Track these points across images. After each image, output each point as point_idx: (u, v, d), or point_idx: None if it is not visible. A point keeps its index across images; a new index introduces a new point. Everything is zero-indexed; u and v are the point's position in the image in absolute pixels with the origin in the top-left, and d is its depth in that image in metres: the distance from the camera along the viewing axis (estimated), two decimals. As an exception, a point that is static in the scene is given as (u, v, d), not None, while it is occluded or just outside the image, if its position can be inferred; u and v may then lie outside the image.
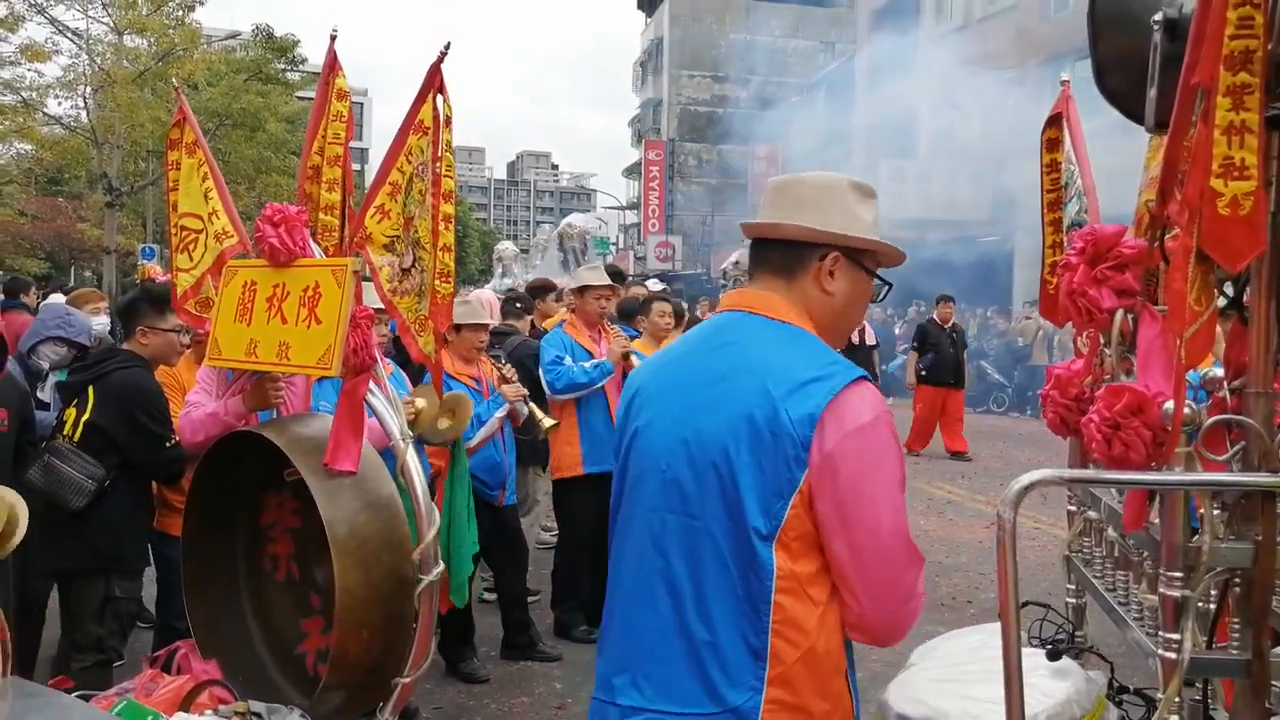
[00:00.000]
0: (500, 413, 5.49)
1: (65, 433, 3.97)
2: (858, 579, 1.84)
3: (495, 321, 6.59)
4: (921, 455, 13.62)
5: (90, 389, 4.00)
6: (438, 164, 3.19)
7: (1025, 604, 2.07)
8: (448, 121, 3.21)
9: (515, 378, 5.67)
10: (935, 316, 14.45)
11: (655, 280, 11.59)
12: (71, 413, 4.01)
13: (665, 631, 1.90)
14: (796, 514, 1.82)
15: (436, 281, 3.19)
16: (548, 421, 5.73)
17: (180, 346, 4.34)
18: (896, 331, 23.00)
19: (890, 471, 1.86)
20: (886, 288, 2.14)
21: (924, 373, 13.88)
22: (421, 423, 4.38)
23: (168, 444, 3.84)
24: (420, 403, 4.38)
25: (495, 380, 5.63)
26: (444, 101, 3.18)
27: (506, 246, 17.08)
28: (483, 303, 6.23)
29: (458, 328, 5.49)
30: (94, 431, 3.92)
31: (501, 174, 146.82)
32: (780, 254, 2.06)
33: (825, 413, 1.82)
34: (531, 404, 5.68)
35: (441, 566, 2.95)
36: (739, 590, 1.84)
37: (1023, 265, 23.78)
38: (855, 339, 13.64)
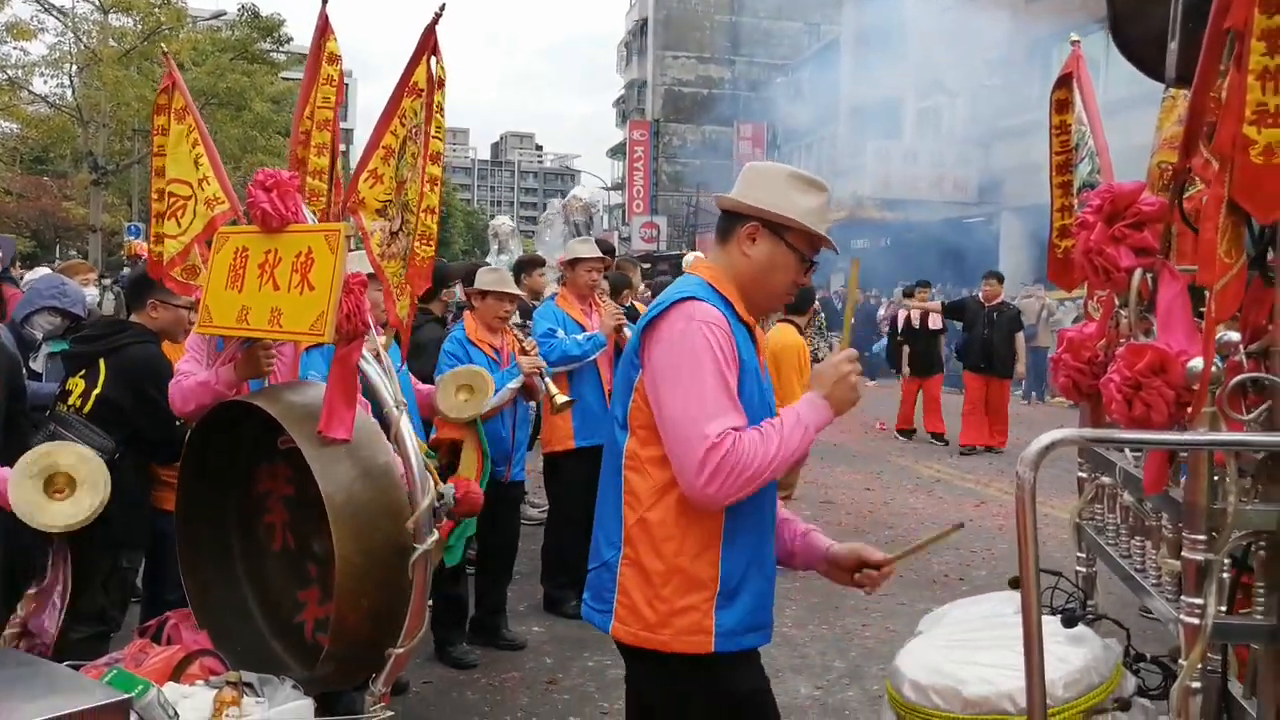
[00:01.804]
0: (514, 383, 5.40)
1: (72, 403, 3.92)
2: (669, 453, 2.31)
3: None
4: (909, 437, 13.60)
5: (102, 362, 3.95)
6: (430, 126, 3.13)
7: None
8: (440, 83, 3.14)
9: (536, 351, 5.61)
10: (980, 294, 13.03)
11: (696, 254, 11.59)
12: (79, 384, 3.95)
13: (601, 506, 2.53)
14: (637, 405, 2.41)
15: (417, 244, 3.13)
16: (561, 397, 5.65)
17: (187, 324, 4.30)
18: (880, 313, 23.01)
19: (687, 367, 2.30)
20: (810, 265, 2.54)
21: (953, 355, 13.03)
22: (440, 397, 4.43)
23: (178, 422, 3.80)
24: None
25: (516, 351, 5.58)
26: (438, 63, 3.12)
27: (503, 222, 16.95)
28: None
29: (484, 294, 5.51)
30: (105, 405, 3.88)
31: (485, 155, 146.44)
32: (722, 222, 2.58)
33: (651, 323, 2.39)
34: (548, 380, 5.60)
35: (435, 535, 2.91)
36: (614, 469, 2.44)
37: (1011, 247, 23.78)
38: (916, 323, 13.28)
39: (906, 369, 13.39)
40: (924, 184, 26.08)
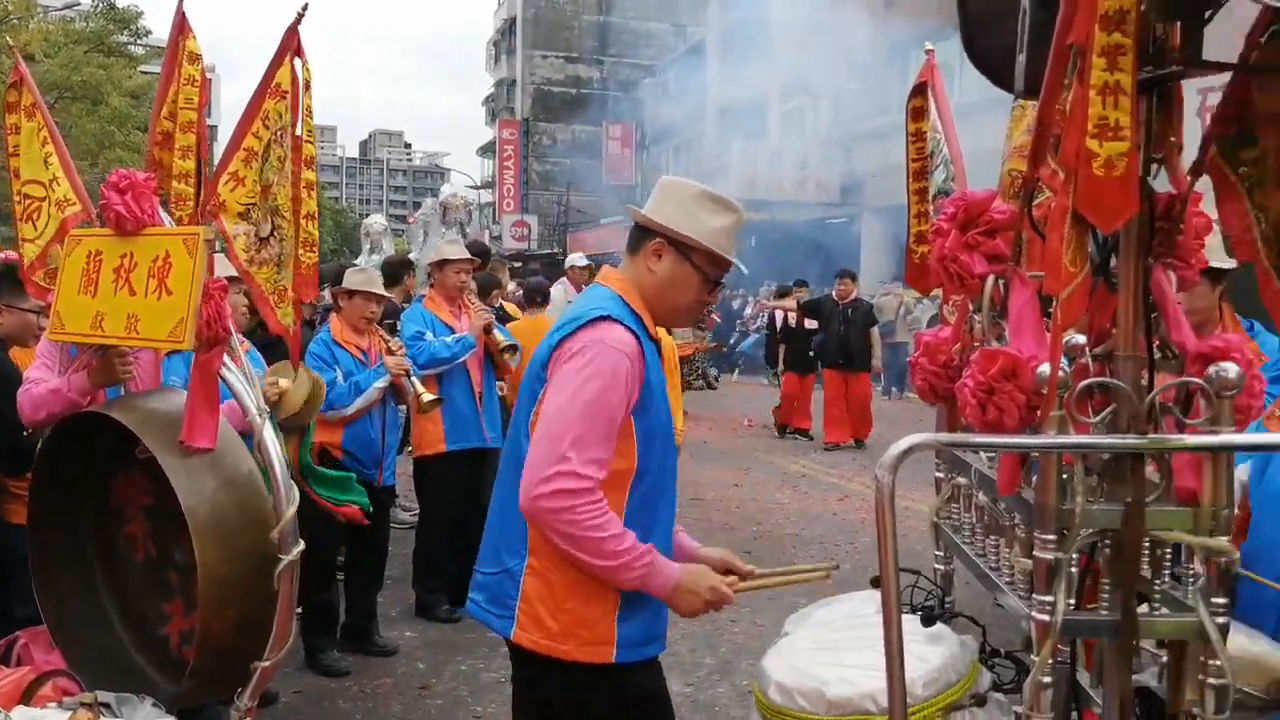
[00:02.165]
0: (380, 383, 5.33)
1: None
2: (531, 443, 2.38)
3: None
4: (761, 429, 13.84)
5: None
6: (297, 129, 3.06)
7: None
8: (307, 85, 3.07)
9: (403, 352, 5.54)
10: (834, 293, 13.23)
11: (580, 256, 11.49)
12: None
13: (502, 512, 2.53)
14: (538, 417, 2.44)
15: (300, 251, 3.10)
16: (429, 396, 5.58)
17: (37, 329, 4.07)
18: (747, 312, 23.41)
19: (586, 385, 2.35)
20: (715, 284, 2.62)
21: (811, 353, 13.16)
22: (287, 405, 4.22)
23: (25, 432, 3.59)
24: (284, 383, 4.18)
25: (383, 352, 5.49)
26: (303, 65, 3.04)
27: (375, 221, 16.51)
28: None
29: (350, 295, 5.42)
30: None
31: (354, 152, 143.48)
32: (633, 234, 2.64)
33: (563, 340, 2.44)
34: (415, 379, 5.53)
35: (301, 545, 2.84)
36: (517, 479, 2.39)
37: (872, 247, 24.43)
38: (794, 322, 13.57)
39: (781, 366, 13.72)
40: (788, 184, 26.55)
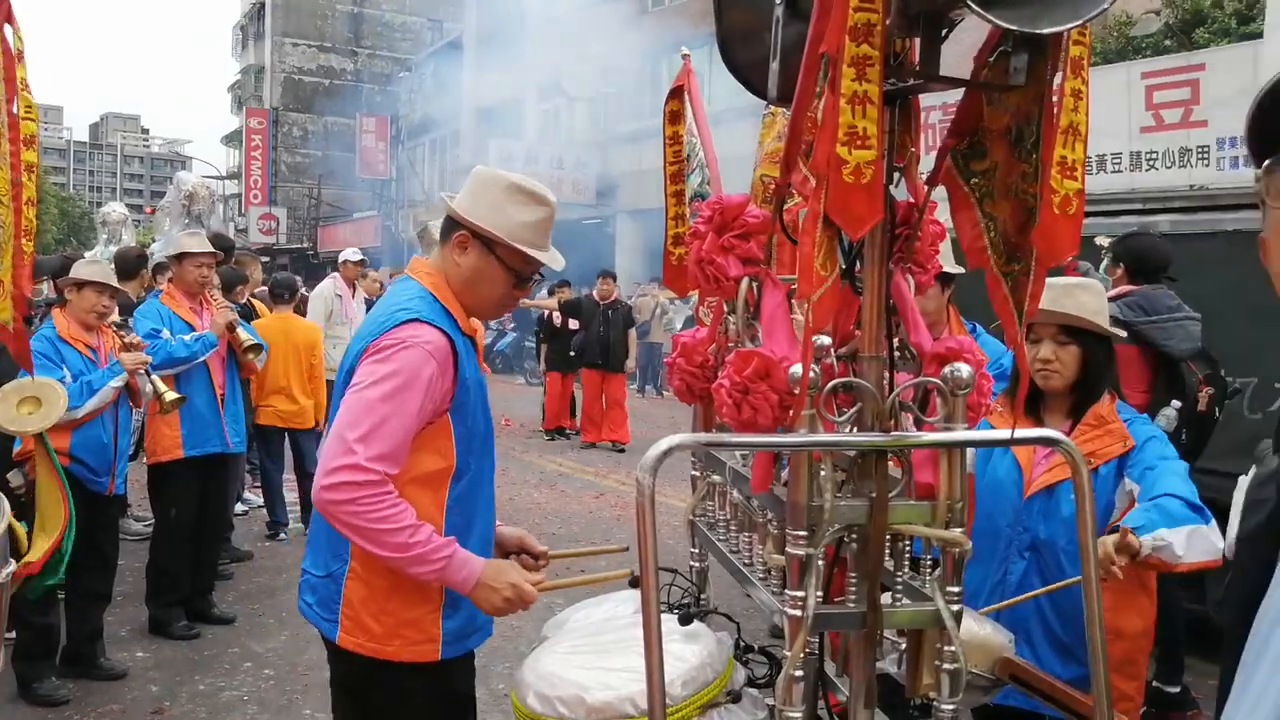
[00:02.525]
0: (116, 382, 4.87)
1: None
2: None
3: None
4: (519, 428, 13.83)
5: None
6: (13, 106, 2.75)
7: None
8: (19, 56, 2.76)
9: (142, 348, 5.11)
10: (595, 293, 13.31)
11: (355, 250, 10.95)
12: None
13: None
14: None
15: (22, 241, 2.79)
16: (170, 394, 5.18)
17: None
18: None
19: (371, 387, 2.33)
20: (525, 280, 2.62)
21: (573, 353, 13.06)
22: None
23: None
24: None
25: (116, 349, 5.04)
26: (14, 34, 2.73)
27: (114, 209, 15.21)
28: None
29: (80, 286, 4.96)
30: None
31: (83, 135, 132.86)
32: (445, 223, 2.61)
33: (370, 343, 2.40)
34: (154, 377, 5.12)
35: (13, 565, 2.55)
36: None
37: (625, 248, 24.86)
38: (559, 322, 13.40)
39: (543, 365, 13.73)
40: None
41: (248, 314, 7.54)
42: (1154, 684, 4.79)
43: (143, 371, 5.05)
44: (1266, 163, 1.16)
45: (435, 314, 2.45)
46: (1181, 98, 9.75)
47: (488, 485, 2.63)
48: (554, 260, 2.66)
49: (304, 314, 9.09)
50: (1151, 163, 9.94)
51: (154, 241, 15.79)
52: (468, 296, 2.56)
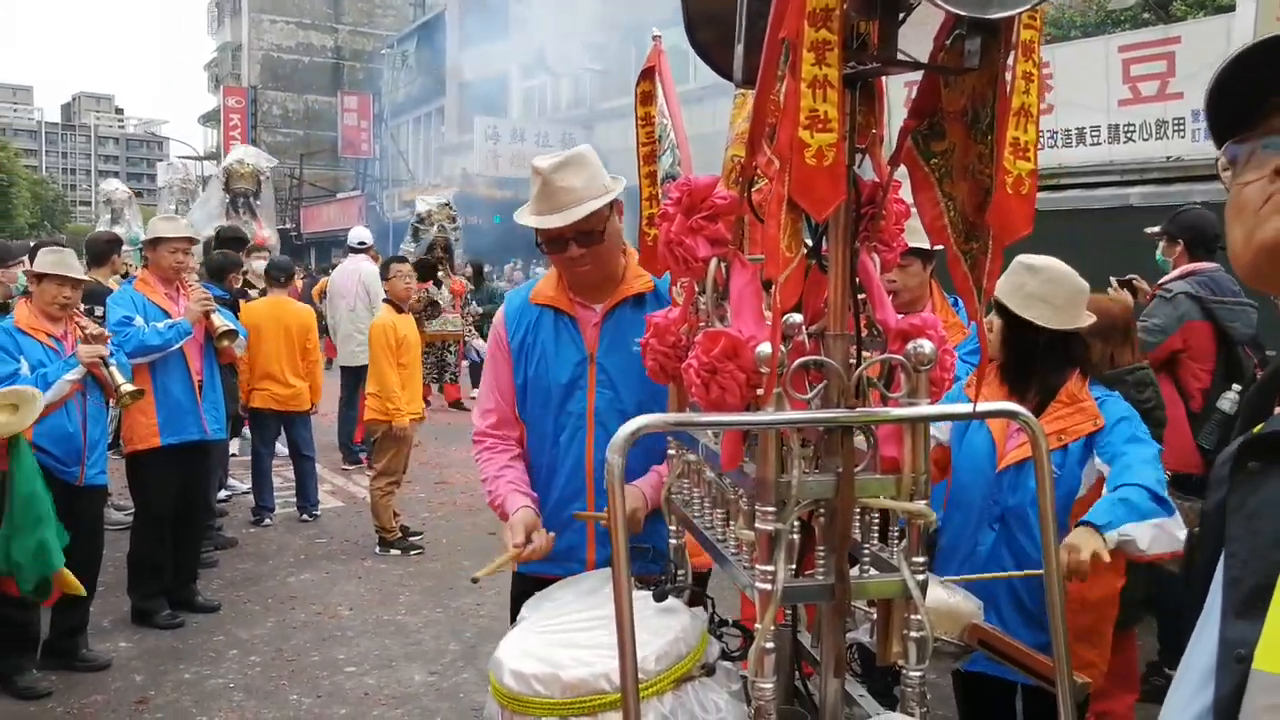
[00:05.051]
0: (72, 375, 4.85)
1: None
2: None
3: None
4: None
5: None
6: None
7: (631, 547, 2.11)
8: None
9: (106, 339, 5.07)
10: None
11: (362, 228, 11.05)
12: None
13: None
14: None
15: None
16: (128, 387, 5.14)
17: None
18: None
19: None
20: (560, 244, 2.86)
21: None
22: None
23: None
24: None
25: (80, 339, 5.02)
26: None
27: (117, 188, 15.03)
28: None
29: (40, 278, 4.95)
30: None
31: (55, 116, 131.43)
32: None
33: None
34: (112, 366, 5.08)
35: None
36: None
37: (611, 225, 24.76)
38: None
39: None
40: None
41: (236, 302, 7.51)
42: (1165, 669, 4.80)
43: (102, 363, 5.00)
44: (1225, 146, 1.19)
45: (528, 288, 3.14)
46: (1158, 70, 9.77)
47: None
48: (544, 222, 2.83)
49: (303, 298, 9.04)
50: (1130, 135, 9.96)
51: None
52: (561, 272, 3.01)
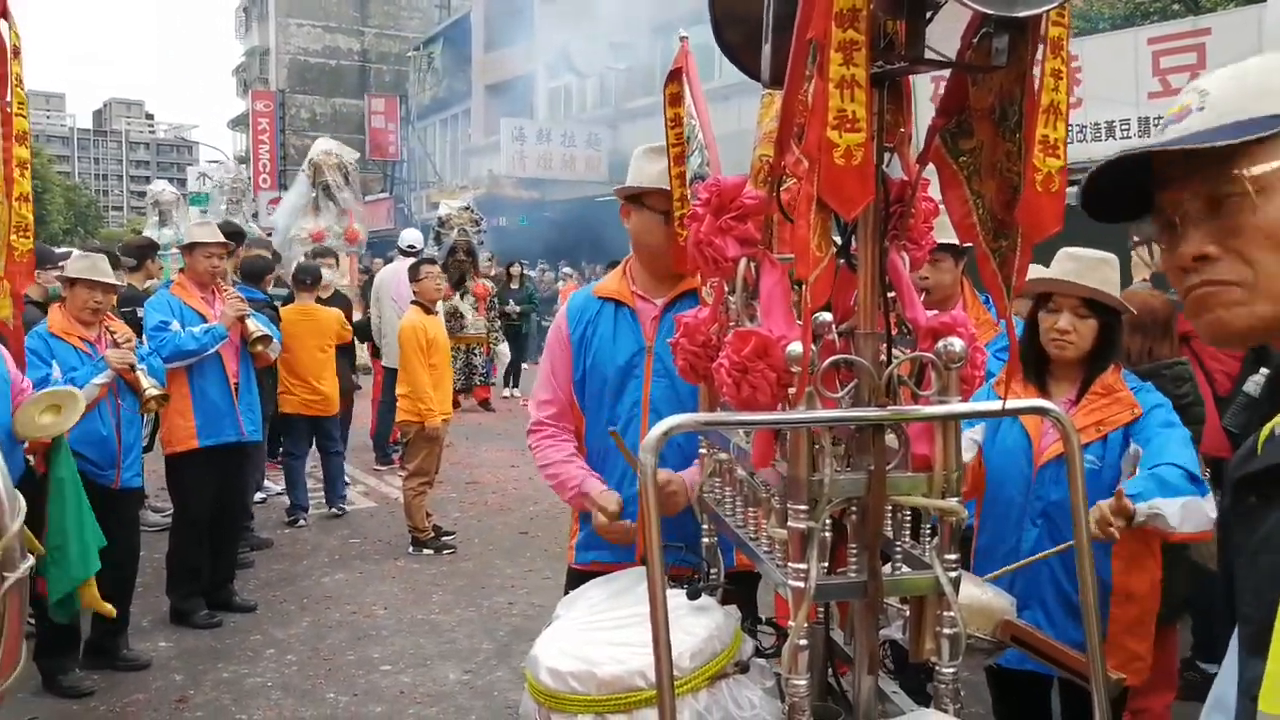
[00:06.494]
0: (100, 379, 4.90)
1: None
2: None
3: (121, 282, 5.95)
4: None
5: None
6: (6, 102, 2.79)
7: (665, 545, 2.13)
8: (16, 52, 2.80)
9: (132, 344, 5.13)
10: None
11: (414, 230, 11.17)
12: None
13: None
14: None
15: (13, 237, 2.83)
16: (153, 390, 5.19)
17: None
18: (559, 288, 23.17)
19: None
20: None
21: None
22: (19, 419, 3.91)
23: None
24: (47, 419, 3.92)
25: (110, 345, 5.08)
26: (10, 29, 2.77)
27: (164, 189, 15.18)
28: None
29: (72, 283, 5.00)
30: None
31: (86, 123, 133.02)
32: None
33: None
34: (140, 370, 5.14)
35: (30, 561, 2.62)
36: None
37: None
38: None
39: None
40: (557, 162, 26.62)
41: (274, 305, 7.55)
42: (1197, 663, 4.76)
43: (130, 368, 5.04)
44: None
45: (590, 287, 3.21)
46: (1188, 62, 9.68)
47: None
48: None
49: (331, 303, 9.02)
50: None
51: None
52: (642, 255, 3.10)
